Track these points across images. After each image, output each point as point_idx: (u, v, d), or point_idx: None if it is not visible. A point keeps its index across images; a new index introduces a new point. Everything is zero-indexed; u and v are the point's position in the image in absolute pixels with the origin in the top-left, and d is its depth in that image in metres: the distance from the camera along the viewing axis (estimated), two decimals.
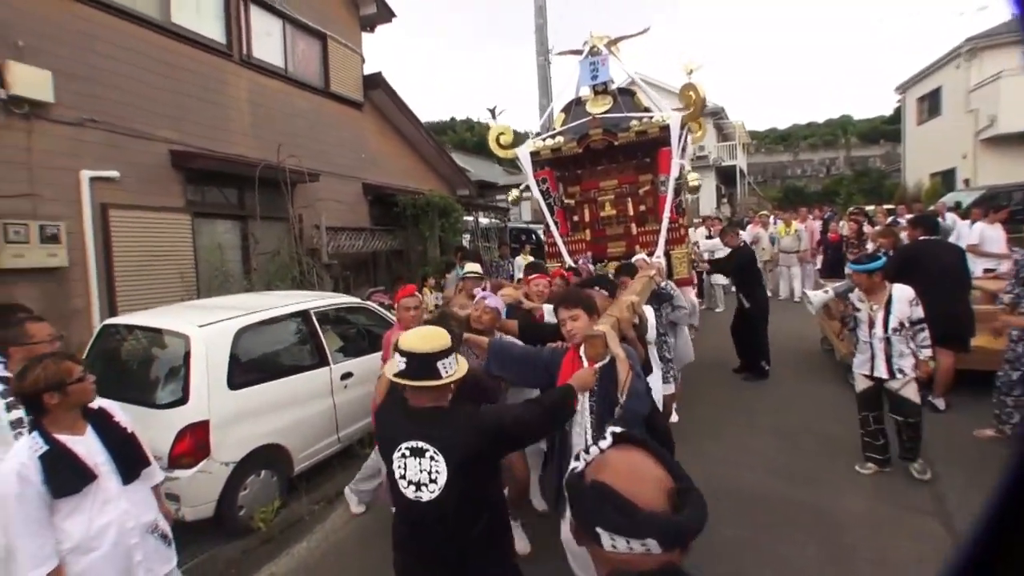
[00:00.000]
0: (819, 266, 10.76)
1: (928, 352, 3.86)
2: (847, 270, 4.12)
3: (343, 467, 4.55)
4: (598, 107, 5.87)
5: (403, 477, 1.94)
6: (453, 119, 47.55)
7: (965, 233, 7.66)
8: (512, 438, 2.11)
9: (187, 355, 3.54)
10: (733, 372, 6.58)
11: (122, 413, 2.40)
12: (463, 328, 2.88)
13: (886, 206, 14.61)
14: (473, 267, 4.29)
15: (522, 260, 10.74)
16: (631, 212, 5.88)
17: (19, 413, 2.46)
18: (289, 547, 3.61)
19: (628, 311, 2.88)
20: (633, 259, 5.09)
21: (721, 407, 5.57)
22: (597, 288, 3.46)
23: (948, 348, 4.68)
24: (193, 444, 3.39)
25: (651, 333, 3.68)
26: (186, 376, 3.51)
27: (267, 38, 8.29)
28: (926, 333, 3.85)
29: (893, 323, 3.85)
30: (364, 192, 9.87)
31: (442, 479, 1.87)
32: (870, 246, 8.22)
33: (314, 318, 4.47)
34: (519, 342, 3.12)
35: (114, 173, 6.03)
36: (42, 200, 5.43)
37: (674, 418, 4.95)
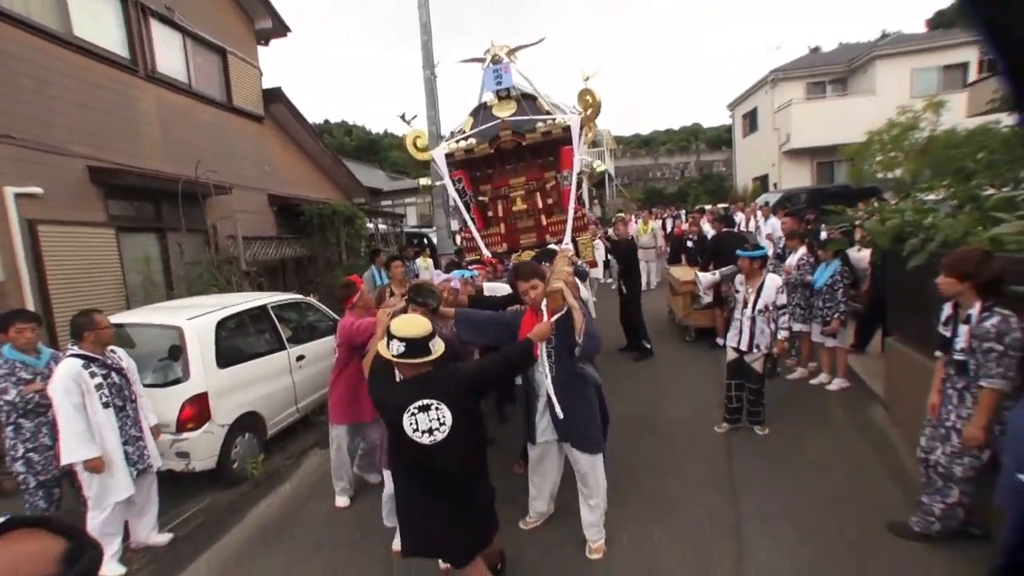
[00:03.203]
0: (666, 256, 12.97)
1: (785, 333, 4.57)
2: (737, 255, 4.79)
3: (304, 432, 5.54)
4: (504, 111, 6.42)
5: (416, 430, 2.42)
6: (327, 122, 46.19)
7: (763, 225, 11.30)
8: (486, 382, 2.81)
9: (182, 341, 4.35)
10: (619, 352, 7.67)
11: None
12: (439, 301, 3.41)
13: (721, 205, 18.49)
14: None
15: (422, 263, 11.85)
16: (540, 205, 6.37)
17: (99, 379, 3.30)
18: (275, 488, 4.58)
19: (568, 276, 3.58)
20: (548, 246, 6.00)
21: (609, 363, 7.03)
22: (543, 262, 4.40)
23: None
24: (196, 411, 4.24)
25: (584, 293, 4.42)
26: (184, 359, 4.32)
27: (169, 53, 8.58)
28: (786, 318, 4.59)
29: (760, 305, 4.51)
30: (270, 202, 10.42)
31: (448, 420, 2.42)
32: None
33: (271, 311, 5.36)
34: (476, 311, 3.72)
35: (37, 189, 6.26)
36: None
37: None
